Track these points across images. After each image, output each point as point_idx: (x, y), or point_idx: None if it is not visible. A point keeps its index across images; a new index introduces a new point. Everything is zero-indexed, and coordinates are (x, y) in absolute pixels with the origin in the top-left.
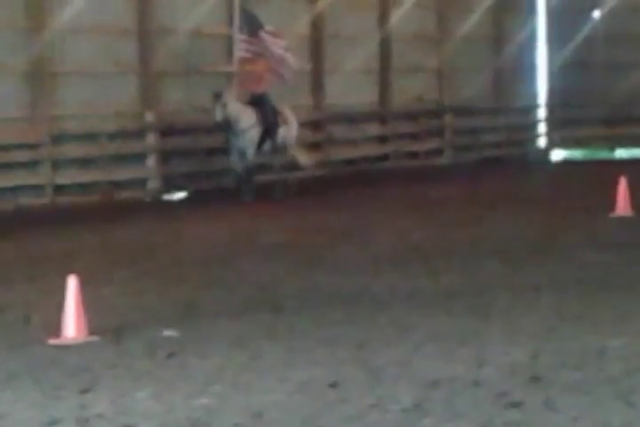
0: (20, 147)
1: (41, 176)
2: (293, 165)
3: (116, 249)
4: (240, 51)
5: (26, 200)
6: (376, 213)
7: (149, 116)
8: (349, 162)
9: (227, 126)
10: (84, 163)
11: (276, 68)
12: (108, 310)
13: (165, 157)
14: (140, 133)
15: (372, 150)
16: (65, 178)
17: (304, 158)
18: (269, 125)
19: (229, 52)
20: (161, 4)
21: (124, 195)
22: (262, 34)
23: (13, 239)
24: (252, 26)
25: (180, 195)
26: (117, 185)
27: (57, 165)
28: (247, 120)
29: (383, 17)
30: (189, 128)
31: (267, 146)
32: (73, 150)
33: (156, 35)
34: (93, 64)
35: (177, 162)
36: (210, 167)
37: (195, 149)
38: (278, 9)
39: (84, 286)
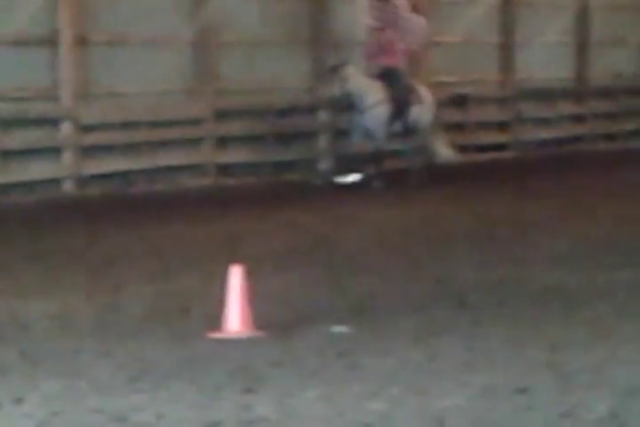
0: (181, 123)
1: (203, 155)
2: (428, 153)
3: (283, 235)
4: (369, 18)
5: (187, 180)
6: (569, 200)
7: (322, 91)
8: (540, 143)
9: (347, 103)
10: (250, 141)
11: (407, 37)
12: (275, 302)
13: (338, 135)
14: (311, 110)
15: (566, 131)
16: (229, 157)
17: (445, 150)
18: (400, 103)
19: None
20: None
21: (293, 176)
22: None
23: (172, 223)
24: None
25: (354, 177)
26: (285, 165)
27: (220, 143)
28: (374, 96)
29: None
30: None
31: (397, 126)
32: (238, 127)
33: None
34: (262, 34)
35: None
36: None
37: None
38: None
39: (249, 275)
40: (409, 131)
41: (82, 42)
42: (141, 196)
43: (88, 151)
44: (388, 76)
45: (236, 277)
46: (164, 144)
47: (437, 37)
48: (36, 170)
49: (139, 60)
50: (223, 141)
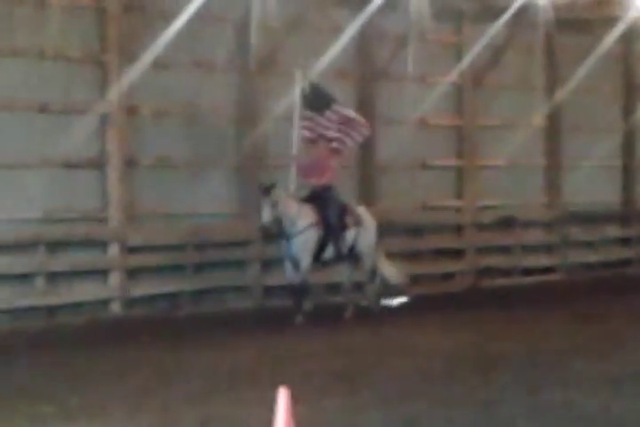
0: (227, 245)
1: (249, 276)
2: (380, 284)
3: (328, 358)
4: (302, 131)
5: (232, 302)
6: (617, 324)
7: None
8: (587, 267)
9: (276, 230)
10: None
11: (340, 147)
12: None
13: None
14: None
15: (613, 254)
16: (274, 279)
17: (392, 272)
18: (332, 227)
19: (458, 144)
20: (386, 92)
21: (339, 299)
22: (328, 113)
23: (218, 344)
24: (321, 102)
25: (400, 299)
26: (331, 288)
27: (266, 265)
28: (302, 221)
29: (628, 107)
30: (413, 228)
31: (329, 253)
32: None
33: (378, 124)
34: None
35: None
36: (434, 270)
37: (419, 251)
38: (513, 99)
39: (294, 400)
40: (342, 258)
41: (130, 164)
42: (187, 317)
43: (135, 273)
44: (319, 197)
45: (282, 402)
46: (210, 266)
47: (483, 160)
48: (84, 291)
49: (184, 183)
50: (268, 264)
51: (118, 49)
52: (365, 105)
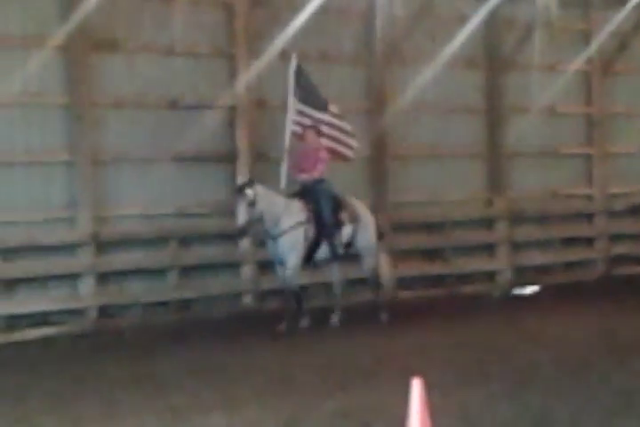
0: None
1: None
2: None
3: (461, 348)
4: (292, 124)
5: (364, 295)
6: None
7: (498, 203)
8: None
9: (256, 231)
10: (426, 253)
11: (335, 147)
12: (456, 417)
13: (516, 247)
14: (487, 222)
15: None
16: (407, 270)
17: (385, 273)
18: (325, 225)
19: (587, 132)
20: (514, 80)
21: (471, 288)
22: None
23: (353, 336)
24: (314, 99)
25: (532, 289)
26: (464, 278)
27: (399, 256)
28: (290, 219)
29: None
30: (543, 216)
31: (323, 253)
32: (413, 240)
33: (507, 113)
34: (435, 147)
35: (529, 253)
36: (565, 259)
37: (549, 240)
38: None
39: (428, 390)
40: (338, 257)
41: (259, 157)
42: (318, 309)
43: (266, 266)
44: (309, 192)
45: (416, 393)
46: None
47: (614, 148)
48: (220, 285)
49: None
50: (402, 254)
51: (246, 43)
52: (493, 94)
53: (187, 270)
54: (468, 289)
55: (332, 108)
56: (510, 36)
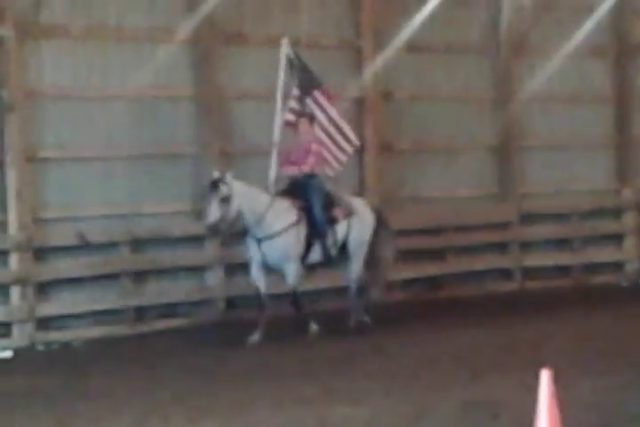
0: (488, 227)
1: (509, 259)
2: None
3: (589, 338)
4: (285, 113)
5: (493, 284)
6: None
7: (627, 194)
8: None
9: (234, 229)
10: (555, 244)
11: (328, 144)
12: (585, 408)
13: None
14: (616, 212)
15: None
16: (534, 260)
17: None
18: (317, 223)
19: None
20: None
21: (600, 279)
22: (317, 93)
23: (478, 327)
24: (306, 80)
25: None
26: (592, 268)
27: (526, 246)
28: (277, 220)
29: None
30: None
31: (315, 256)
32: (543, 231)
33: (635, 102)
34: (563, 137)
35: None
36: None
37: None
38: None
39: (557, 380)
40: (331, 260)
41: (386, 148)
42: (448, 300)
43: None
44: (299, 188)
45: (544, 383)
46: (469, 249)
47: None
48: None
49: (441, 166)
50: (528, 245)
51: (372, 34)
52: (622, 82)
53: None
54: (595, 279)
55: (322, 98)
56: (638, 23)
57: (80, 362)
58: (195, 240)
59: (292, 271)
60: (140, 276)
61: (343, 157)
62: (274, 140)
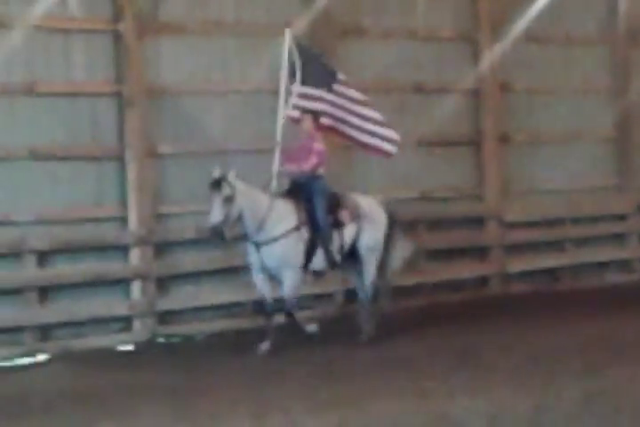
0: (606, 218)
1: (628, 250)
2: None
3: None
4: (290, 108)
5: (613, 276)
6: None
7: None
8: None
9: (220, 235)
10: None
11: (335, 125)
12: None
13: None
14: None
15: None
16: None
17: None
18: (320, 227)
19: None
20: None
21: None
22: (336, 87)
23: (598, 319)
24: (320, 74)
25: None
26: None
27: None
28: (278, 222)
29: None
30: None
31: (318, 263)
32: None
33: None
34: None
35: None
36: None
37: None
38: None
39: None
40: (336, 266)
41: (503, 140)
42: (567, 292)
43: (512, 249)
44: (302, 189)
45: None
46: (588, 240)
47: None
48: (463, 269)
49: (558, 157)
50: None
51: (490, 26)
52: None
53: (431, 255)
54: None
55: (347, 90)
56: None
57: (201, 355)
58: None
59: (290, 280)
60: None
61: (389, 147)
62: (276, 138)
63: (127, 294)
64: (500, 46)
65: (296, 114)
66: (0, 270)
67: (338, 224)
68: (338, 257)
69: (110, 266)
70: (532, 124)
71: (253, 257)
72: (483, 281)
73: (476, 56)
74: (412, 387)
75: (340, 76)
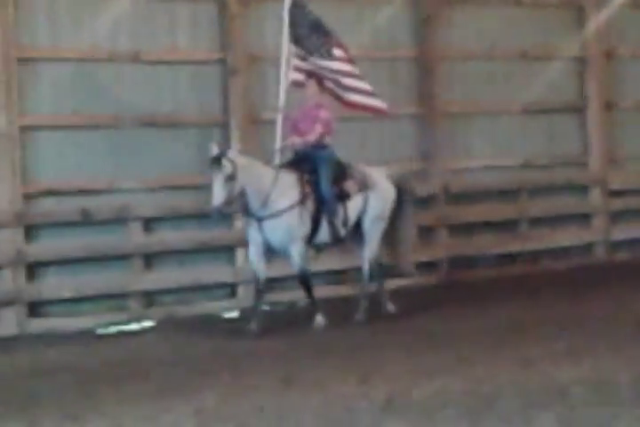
0: None
1: None
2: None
3: None
4: (291, 71)
5: None
6: None
7: None
8: None
9: (237, 209)
10: None
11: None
12: None
13: None
14: None
15: None
16: None
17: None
18: (325, 200)
19: None
20: None
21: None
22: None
23: None
24: (317, 38)
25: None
26: None
27: None
28: (281, 197)
29: None
30: None
31: (323, 236)
32: None
33: None
34: None
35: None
36: None
37: None
38: None
39: None
40: (341, 240)
41: (608, 107)
42: None
43: (617, 216)
44: (306, 160)
45: None
46: None
47: None
48: (566, 236)
49: None
50: None
51: None
52: None
53: (534, 222)
54: None
55: (340, 53)
56: None
57: (304, 322)
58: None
59: (298, 253)
60: None
61: (382, 105)
62: (279, 105)
63: (232, 260)
64: (605, 12)
65: (300, 77)
66: (106, 237)
67: (343, 196)
68: (342, 231)
69: (215, 233)
70: (638, 91)
71: (253, 233)
72: (586, 249)
73: (581, 23)
74: (513, 354)
75: (335, 38)
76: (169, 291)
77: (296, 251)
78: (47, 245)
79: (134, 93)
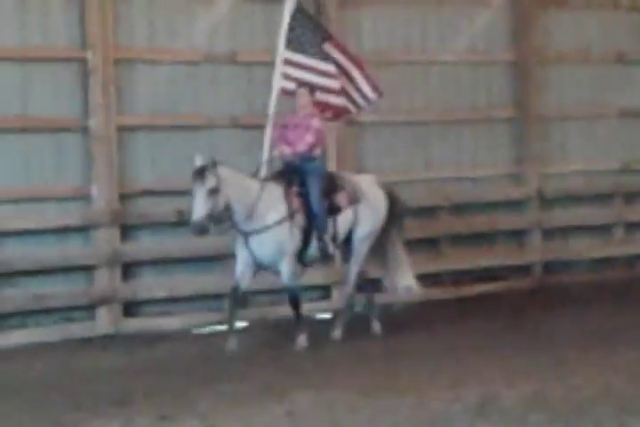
0: None
1: None
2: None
3: None
4: (281, 78)
5: None
6: None
7: None
8: None
9: (205, 230)
10: None
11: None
12: None
13: None
14: None
15: None
16: None
17: (408, 280)
18: (315, 214)
19: None
20: None
21: None
22: (326, 47)
23: None
24: (312, 39)
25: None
26: None
27: None
28: (269, 211)
29: None
30: None
31: (312, 252)
32: None
33: None
34: None
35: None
36: None
37: None
38: None
39: None
40: (328, 256)
41: None
42: None
43: None
44: (295, 172)
45: None
46: None
47: None
48: None
49: None
50: None
51: None
52: None
53: (632, 227)
54: None
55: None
56: None
57: (399, 323)
58: (514, 204)
59: (288, 269)
60: (456, 240)
61: (363, 102)
62: (269, 112)
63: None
64: None
65: (291, 86)
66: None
67: (334, 210)
68: (331, 249)
69: None
70: None
71: (241, 248)
72: None
73: None
74: (607, 359)
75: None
76: (263, 292)
77: (286, 267)
78: (143, 246)
79: (230, 94)
